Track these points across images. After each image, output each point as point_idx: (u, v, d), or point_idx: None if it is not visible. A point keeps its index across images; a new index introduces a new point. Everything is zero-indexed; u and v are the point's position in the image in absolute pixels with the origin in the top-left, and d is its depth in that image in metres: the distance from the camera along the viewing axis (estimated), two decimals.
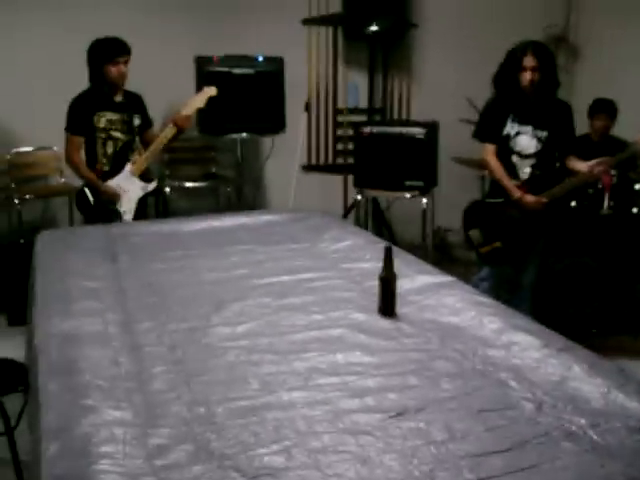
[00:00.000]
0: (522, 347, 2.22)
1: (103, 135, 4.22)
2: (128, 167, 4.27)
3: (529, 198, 3.86)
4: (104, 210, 4.22)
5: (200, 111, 4.64)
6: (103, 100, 4.22)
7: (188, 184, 5.56)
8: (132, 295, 2.71)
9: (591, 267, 4.60)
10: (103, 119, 4.20)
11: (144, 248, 3.37)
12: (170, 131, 4.31)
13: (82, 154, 4.25)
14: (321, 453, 1.64)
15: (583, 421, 1.79)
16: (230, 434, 1.71)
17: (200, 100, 4.38)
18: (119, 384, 1.95)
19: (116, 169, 4.26)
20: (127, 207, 4.26)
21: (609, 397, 1.91)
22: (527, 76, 3.77)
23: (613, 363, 2.14)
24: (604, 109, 5.02)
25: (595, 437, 1.72)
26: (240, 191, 5.37)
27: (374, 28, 5.22)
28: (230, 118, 4.92)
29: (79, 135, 4.21)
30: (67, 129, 4.22)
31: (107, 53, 4.14)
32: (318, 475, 1.55)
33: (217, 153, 5.66)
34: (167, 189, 5.45)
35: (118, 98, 4.28)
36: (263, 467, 1.58)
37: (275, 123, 5.06)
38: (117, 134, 4.24)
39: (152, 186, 4.41)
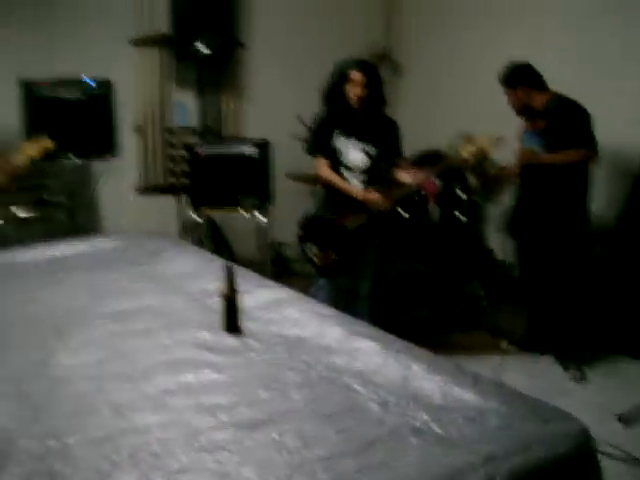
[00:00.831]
0: (364, 352, 2.34)
1: None
2: None
3: (372, 195, 4.00)
4: None
5: (27, 136, 4.50)
6: None
7: (18, 213, 5.33)
8: None
9: (422, 272, 4.85)
10: None
11: None
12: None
13: None
14: (180, 473, 1.66)
15: (426, 416, 1.92)
16: (87, 464, 1.70)
17: (34, 149, 4.22)
18: None
19: None
20: None
21: (447, 392, 2.06)
22: (354, 91, 3.92)
23: (449, 360, 2.30)
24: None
25: (438, 430, 1.86)
26: (73, 217, 5.22)
27: (203, 49, 5.25)
28: (59, 143, 4.77)
29: None
30: None
31: None
32: None
33: (47, 179, 5.47)
34: None
35: None
36: None
37: (106, 147, 4.97)
38: None
39: None
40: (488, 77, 5.37)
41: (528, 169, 4.19)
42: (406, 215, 4.74)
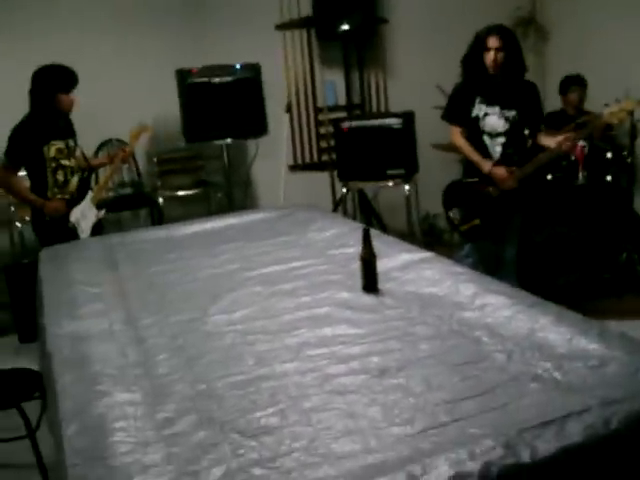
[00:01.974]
0: (494, 307, 2.41)
1: (53, 164, 4.24)
2: (89, 195, 4.45)
3: (499, 170, 4.03)
4: (62, 231, 4.29)
5: (185, 121, 4.85)
6: (51, 128, 4.23)
7: (180, 193, 5.76)
8: (133, 296, 2.90)
9: (570, 236, 4.79)
10: (53, 148, 4.22)
11: (142, 254, 3.56)
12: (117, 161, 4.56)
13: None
14: (312, 412, 1.82)
15: (548, 365, 1.98)
16: (229, 403, 1.90)
17: (135, 136, 4.60)
18: (127, 371, 2.14)
19: (80, 197, 4.41)
20: (85, 234, 4.41)
21: (572, 342, 2.09)
22: (491, 56, 3.94)
23: (577, 314, 2.33)
24: (575, 82, 5.23)
25: (559, 377, 1.91)
26: (230, 195, 5.56)
27: (345, 27, 5.41)
28: (214, 126, 5.11)
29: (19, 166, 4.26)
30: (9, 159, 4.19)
31: (63, 83, 4.14)
32: (310, 430, 1.74)
33: (205, 160, 5.86)
34: (160, 199, 5.65)
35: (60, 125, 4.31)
36: (260, 427, 1.77)
37: (257, 126, 5.25)
38: (65, 162, 4.29)
39: (102, 213, 4.59)
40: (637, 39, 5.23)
41: None
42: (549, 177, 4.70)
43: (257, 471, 1.58)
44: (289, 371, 2.07)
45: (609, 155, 4.76)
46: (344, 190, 5.38)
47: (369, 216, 5.72)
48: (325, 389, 1.94)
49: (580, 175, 4.67)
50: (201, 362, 2.19)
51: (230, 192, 5.57)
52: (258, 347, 2.26)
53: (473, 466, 1.50)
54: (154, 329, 2.50)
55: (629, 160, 4.79)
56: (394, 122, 5.01)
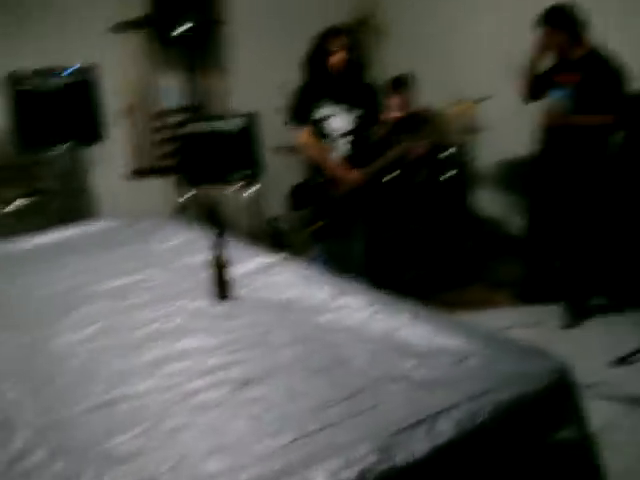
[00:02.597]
0: (352, 309, 2.42)
1: None
2: None
3: (347, 173, 4.07)
4: None
5: (17, 129, 4.57)
6: None
7: (13, 204, 5.40)
8: None
9: (416, 231, 4.92)
10: None
11: None
12: None
13: None
14: (176, 431, 1.74)
15: (410, 364, 1.99)
16: (88, 429, 1.78)
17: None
18: None
19: None
20: None
21: (433, 339, 2.12)
22: (335, 57, 3.97)
23: (434, 311, 2.37)
24: (398, 86, 5.37)
25: (422, 375, 1.93)
26: (68, 204, 5.29)
27: (183, 28, 5.29)
28: (47, 133, 4.83)
29: None
30: None
31: None
32: (176, 451, 1.65)
33: (40, 169, 5.53)
34: None
35: None
36: (124, 452, 1.66)
37: (93, 132, 5.02)
38: None
39: None
40: (474, 36, 5.43)
41: (553, 129, 4.17)
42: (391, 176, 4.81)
43: None
44: (149, 389, 1.97)
45: (449, 152, 4.91)
46: (187, 196, 5.26)
47: (213, 222, 5.61)
48: (187, 406, 1.86)
49: (422, 172, 4.80)
50: (52, 387, 2.04)
51: (68, 202, 5.30)
52: (113, 366, 2.15)
53: (349, 474, 1.47)
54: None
55: (468, 157, 4.97)
56: (237, 124, 4.95)
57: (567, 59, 4.06)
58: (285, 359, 2.10)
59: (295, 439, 1.64)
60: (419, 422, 1.66)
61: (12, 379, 2.10)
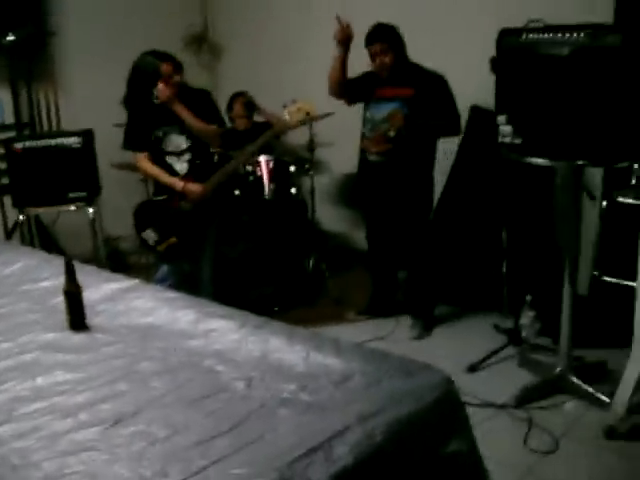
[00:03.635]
0: (220, 332, 2.31)
1: None
2: None
3: (192, 186, 3.97)
4: None
5: None
6: None
7: None
8: None
9: (262, 250, 4.86)
10: None
11: None
12: None
13: None
14: None
15: (292, 386, 1.91)
16: None
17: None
18: None
19: None
20: None
21: (310, 360, 2.06)
22: (169, 82, 3.87)
23: (307, 329, 2.31)
24: (238, 95, 5.34)
25: (307, 398, 1.86)
26: None
27: (10, 38, 4.94)
28: None
29: None
30: None
31: None
32: None
33: None
34: None
35: None
36: None
37: None
38: None
39: None
40: (308, 53, 5.48)
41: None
42: (237, 193, 4.75)
43: None
44: (5, 435, 1.76)
45: (292, 169, 4.90)
46: (20, 217, 4.91)
47: (47, 244, 5.29)
48: (55, 451, 1.67)
49: (267, 189, 4.74)
50: None
51: None
52: None
53: None
54: None
55: (310, 173, 4.97)
56: (72, 141, 4.67)
57: (390, 74, 4.16)
58: (158, 390, 1.95)
59: (185, 478, 1.51)
60: (314, 449, 1.58)
61: None
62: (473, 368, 3.76)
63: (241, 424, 1.74)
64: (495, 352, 3.88)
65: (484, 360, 3.82)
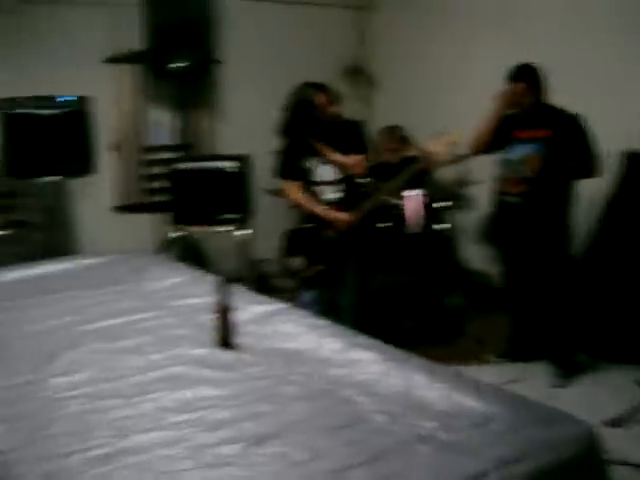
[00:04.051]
0: (363, 363, 2.31)
1: None
2: None
3: (340, 215, 4.02)
4: None
5: (5, 154, 4.46)
6: None
7: None
8: None
9: (404, 284, 4.84)
10: None
11: None
12: None
13: None
14: None
15: (432, 424, 1.89)
16: None
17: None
18: None
19: None
20: None
21: (451, 399, 2.03)
22: (325, 111, 3.96)
23: (449, 368, 2.28)
24: (388, 131, 5.36)
25: (445, 437, 1.83)
26: (50, 236, 5.14)
27: (178, 65, 5.22)
28: (36, 161, 4.70)
29: None
30: None
31: None
32: None
33: (23, 198, 5.39)
34: None
35: None
36: None
37: (83, 165, 4.89)
38: None
39: None
40: (463, 88, 5.45)
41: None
42: (383, 225, 4.76)
43: None
44: (154, 442, 1.84)
45: (440, 204, 4.87)
46: (176, 234, 5.14)
47: (199, 262, 5.50)
48: (199, 462, 1.74)
49: (410, 224, 4.73)
50: (47, 435, 1.90)
51: (50, 233, 5.14)
52: (112, 414, 2.01)
53: None
54: None
55: (458, 210, 4.93)
56: (230, 165, 4.86)
57: (527, 116, 4.08)
58: (300, 415, 1.98)
59: None
60: None
61: (5, 424, 1.96)
62: (616, 423, 3.58)
63: (378, 457, 1.73)
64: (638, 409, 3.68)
65: (629, 416, 3.62)
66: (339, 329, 2.67)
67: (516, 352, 4.46)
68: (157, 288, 3.34)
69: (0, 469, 1.72)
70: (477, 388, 2.10)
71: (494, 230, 4.58)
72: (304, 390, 2.15)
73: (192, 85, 5.64)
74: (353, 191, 4.16)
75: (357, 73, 6.37)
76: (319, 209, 4.07)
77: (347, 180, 4.10)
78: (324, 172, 4.09)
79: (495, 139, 4.24)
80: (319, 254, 4.10)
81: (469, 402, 2.01)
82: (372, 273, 4.78)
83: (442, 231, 4.93)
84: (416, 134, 5.35)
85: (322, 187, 4.11)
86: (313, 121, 4.01)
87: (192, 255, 5.54)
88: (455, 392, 2.07)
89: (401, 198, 4.76)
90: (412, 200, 4.77)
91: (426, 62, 5.98)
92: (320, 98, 3.98)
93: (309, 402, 2.06)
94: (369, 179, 4.54)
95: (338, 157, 4.01)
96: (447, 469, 1.67)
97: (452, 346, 4.71)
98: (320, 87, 4.03)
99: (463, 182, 4.90)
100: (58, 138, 4.72)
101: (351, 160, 4.01)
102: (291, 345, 2.51)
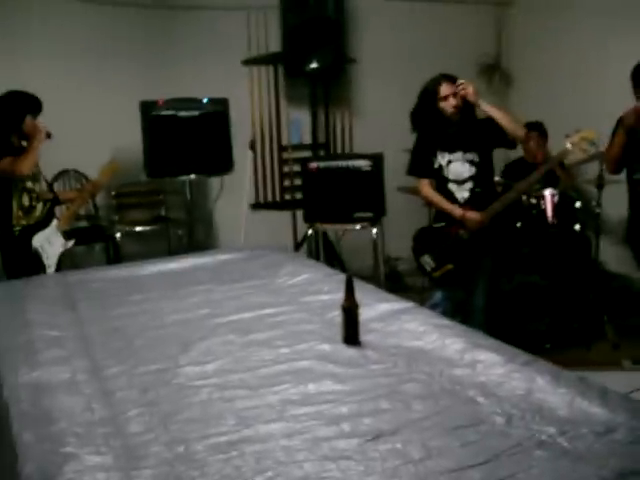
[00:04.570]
0: (486, 364, 2.29)
1: (20, 186, 4.12)
2: (55, 222, 4.30)
3: (471, 214, 3.97)
4: (29, 262, 4.16)
5: (148, 155, 4.70)
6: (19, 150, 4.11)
7: (138, 228, 5.55)
8: (96, 341, 2.71)
9: (540, 285, 4.73)
10: None
11: (103, 294, 3.36)
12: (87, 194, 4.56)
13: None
14: None
15: (552, 430, 1.86)
16: (212, 470, 1.73)
17: (107, 172, 4.50)
18: (96, 429, 1.95)
19: (44, 223, 4.26)
20: (51, 261, 4.24)
21: (574, 405, 1.98)
22: (450, 103, 3.90)
23: (574, 373, 2.23)
24: (532, 128, 5.22)
25: (565, 444, 1.79)
26: (191, 232, 5.39)
27: (314, 65, 5.33)
28: (177, 160, 4.94)
29: None
30: None
31: (32, 106, 4.12)
32: None
33: (166, 195, 5.69)
34: (117, 234, 5.44)
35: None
36: None
37: (223, 163, 5.11)
38: (31, 185, 4.17)
39: (71, 243, 4.44)
40: (599, 84, 5.27)
41: None
42: (519, 224, 4.67)
43: None
44: (275, 433, 1.91)
45: (578, 204, 4.74)
46: (309, 231, 5.25)
47: (331, 259, 5.60)
48: (316, 454, 1.79)
49: (549, 222, 4.63)
50: (177, 420, 2.01)
51: (191, 229, 5.40)
52: (238, 404, 2.10)
53: None
54: (121, 380, 2.32)
55: (597, 211, 4.76)
56: (363, 164, 4.92)
57: None
58: (418, 413, 2.00)
59: None
60: None
61: (139, 408, 2.09)
62: None
63: (496, 459, 1.72)
64: None
65: None
66: (463, 329, 2.66)
67: None
68: (290, 284, 3.43)
69: (132, 449, 1.83)
70: (602, 395, 2.03)
71: (634, 232, 4.41)
72: (425, 389, 2.16)
73: (327, 84, 5.74)
74: (486, 189, 4.11)
75: (493, 70, 6.29)
76: (450, 207, 4.04)
77: (480, 178, 4.05)
78: (457, 168, 4.05)
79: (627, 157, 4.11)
80: (449, 254, 4.07)
81: (592, 409, 1.96)
82: (506, 273, 4.71)
83: (580, 231, 4.80)
84: (551, 132, 5.23)
85: (455, 185, 4.08)
86: (436, 113, 3.98)
87: (326, 252, 5.66)
88: (578, 398, 2.02)
89: (539, 197, 4.67)
90: (550, 199, 4.67)
91: (563, 58, 5.83)
92: (445, 89, 3.91)
93: (429, 401, 2.07)
94: (502, 178, 4.49)
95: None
96: (564, 476, 1.64)
97: (588, 350, 4.57)
98: (449, 78, 3.95)
99: (602, 182, 4.72)
100: (198, 138, 4.95)
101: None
102: (415, 344, 2.52)
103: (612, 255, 5.32)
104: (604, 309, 4.75)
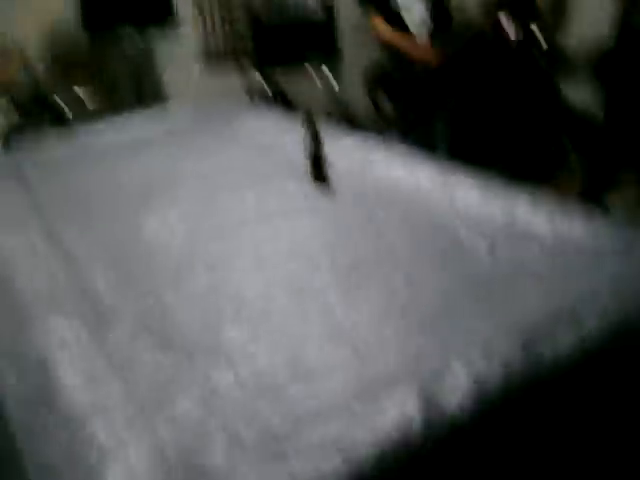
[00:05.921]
0: (462, 192, 2.19)
1: None
2: None
3: (428, 49, 3.81)
4: None
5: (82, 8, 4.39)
6: None
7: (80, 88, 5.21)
8: (50, 208, 2.52)
9: (503, 121, 4.57)
10: None
11: (53, 162, 3.10)
12: None
13: None
14: (286, 317, 1.61)
15: (536, 250, 1.79)
16: (189, 319, 1.64)
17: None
18: (59, 292, 1.83)
19: None
20: None
21: (558, 230, 1.88)
22: None
23: (554, 195, 2.14)
24: None
25: (551, 267, 1.71)
26: (139, 87, 5.11)
27: None
28: (114, 12, 4.59)
29: None
30: None
31: None
32: (288, 340, 1.51)
33: (109, 51, 5.33)
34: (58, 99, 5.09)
35: None
36: (231, 344, 1.52)
37: (165, 11, 4.77)
38: None
39: None
40: None
41: None
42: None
43: (234, 394, 1.34)
44: (251, 275, 1.82)
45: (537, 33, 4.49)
46: (260, 78, 5.02)
47: (285, 104, 5.38)
48: (296, 291, 1.71)
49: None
50: (145, 273, 1.90)
51: (139, 85, 5.11)
52: (209, 250, 2.00)
53: (491, 369, 1.30)
54: (82, 242, 2.16)
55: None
56: (314, 4, 4.66)
57: None
58: (396, 244, 1.92)
59: (422, 325, 1.49)
60: (560, 312, 1.46)
61: (103, 267, 1.96)
62: None
63: (484, 285, 1.65)
64: None
65: None
66: (434, 160, 2.53)
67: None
68: (251, 132, 3.25)
69: (101, 308, 1.72)
70: (584, 214, 1.94)
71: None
72: (400, 219, 2.07)
73: None
74: (443, 29, 3.92)
75: None
76: (406, 43, 3.85)
77: (438, 17, 3.85)
78: (414, 7, 3.86)
79: None
80: (408, 90, 3.92)
81: (575, 229, 1.87)
82: (467, 107, 4.55)
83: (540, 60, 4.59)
84: None
85: (412, 24, 3.88)
86: None
87: (280, 99, 5.44)
88: (560, 218, 1.93)
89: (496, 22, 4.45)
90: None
91: None
92: None
93: (405, 231, 1.99)
94: None
95: None
96: (555, 293, 1.57)
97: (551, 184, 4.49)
98: None
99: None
100: None
101: None
102: (385, 175, 2.42)
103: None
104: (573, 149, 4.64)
